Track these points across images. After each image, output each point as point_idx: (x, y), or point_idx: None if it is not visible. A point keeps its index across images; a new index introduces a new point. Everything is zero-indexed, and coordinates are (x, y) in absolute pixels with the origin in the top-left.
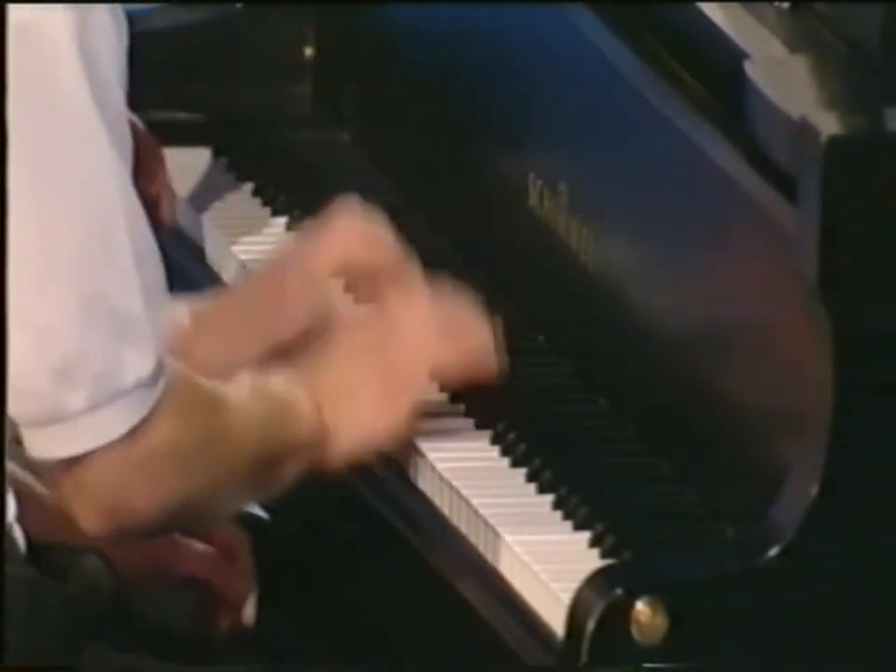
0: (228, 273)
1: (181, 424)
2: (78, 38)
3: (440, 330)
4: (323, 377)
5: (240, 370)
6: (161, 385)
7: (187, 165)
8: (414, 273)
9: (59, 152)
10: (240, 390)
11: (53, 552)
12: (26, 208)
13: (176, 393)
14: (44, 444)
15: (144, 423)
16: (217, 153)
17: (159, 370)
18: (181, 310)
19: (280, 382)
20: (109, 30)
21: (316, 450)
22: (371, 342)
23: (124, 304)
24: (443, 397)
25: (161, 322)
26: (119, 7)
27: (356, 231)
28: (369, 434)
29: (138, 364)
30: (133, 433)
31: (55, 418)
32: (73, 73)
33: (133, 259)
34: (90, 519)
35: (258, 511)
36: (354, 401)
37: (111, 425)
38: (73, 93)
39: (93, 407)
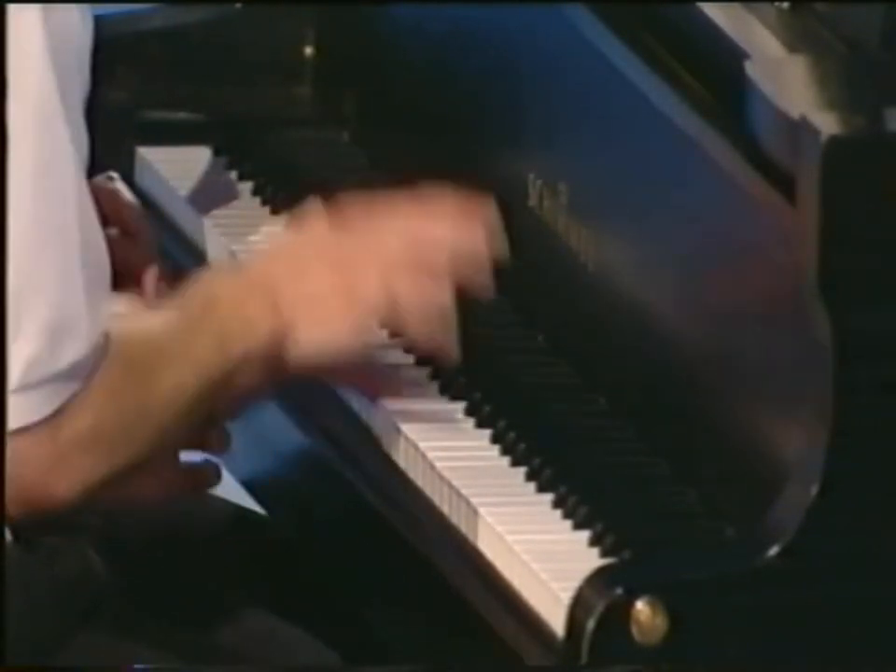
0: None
1: (105, 406)
2: (44, 20)
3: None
4: (281, 275)
5: None
6: (87, 371)
7: (187, 165)
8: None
9: (20, 136)
10: (185, 311)
11: (42, 537)
12: None
13: (102, 374)
14: None
15: (66, 410)
16: (216, 152)
17: (89, 358)
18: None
19: (237, 283)
20: (75, 20)
21: (275, 353)
22: (334, 242)
23: (65, 294)
24: (410, 360)
25: (102, 317)
26: (88, 8)
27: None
28: (330, 332)
29: (71, 354)
30: (56, 421)
31: None
32: (39, 55)
33: (78, 248)
34: (11, 505)
35: (257, 510)
36: (314, 299)
37: (34, 408)
38: (40, 83)
39: (21, 388)
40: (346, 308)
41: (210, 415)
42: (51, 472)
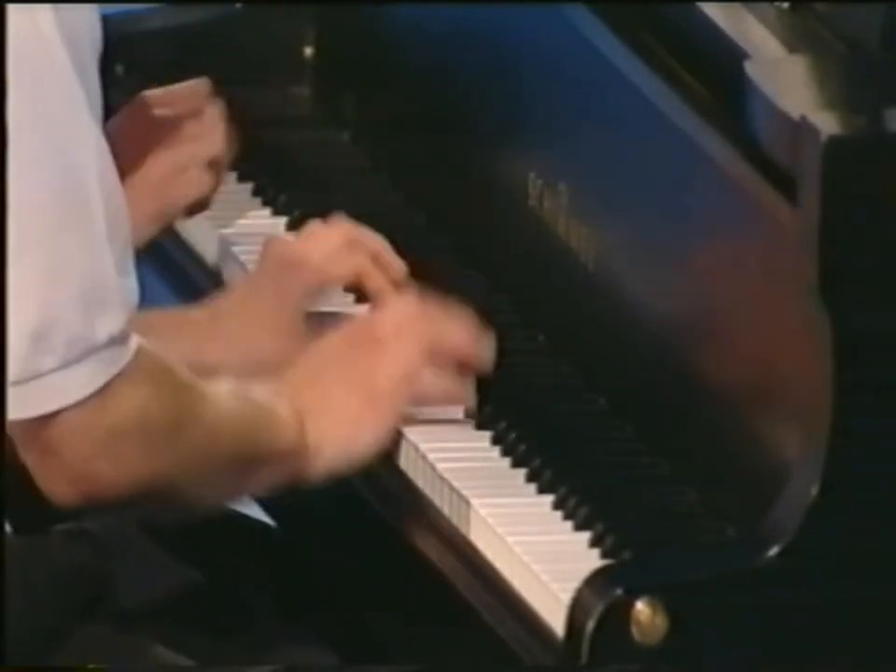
0: (228, 273)
1: (151, 397)
2: (57, 15)
3: (424, 340)
4: (305, 389)
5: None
6: (131, 348)
7: None
8: (405, 287)
9: (38, 117)
10: (220, 388)
11: (41, 530)
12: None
13: (148, 367)
14: (17, 403)
15: (112, 389)
16: None
17: (127, 332)
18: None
19: (262, 391)
20: (87, 15)
21: (296, 462)
22: (354, 353)
23: (96, 269)
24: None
25: (131, 290)
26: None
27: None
28: (351, 448)
29: (109, 325)
30: (102, 398)
31: (28, 378)
32: (55, 41)
33: (105, 224)
34: (55, 484)
35: (264, 518)
36: (336, 415)
37: (81, 383)
38: (56, 61)
39: (64, 365)
40: (370, 421)
41: (231, 490)
42: (97, 452)
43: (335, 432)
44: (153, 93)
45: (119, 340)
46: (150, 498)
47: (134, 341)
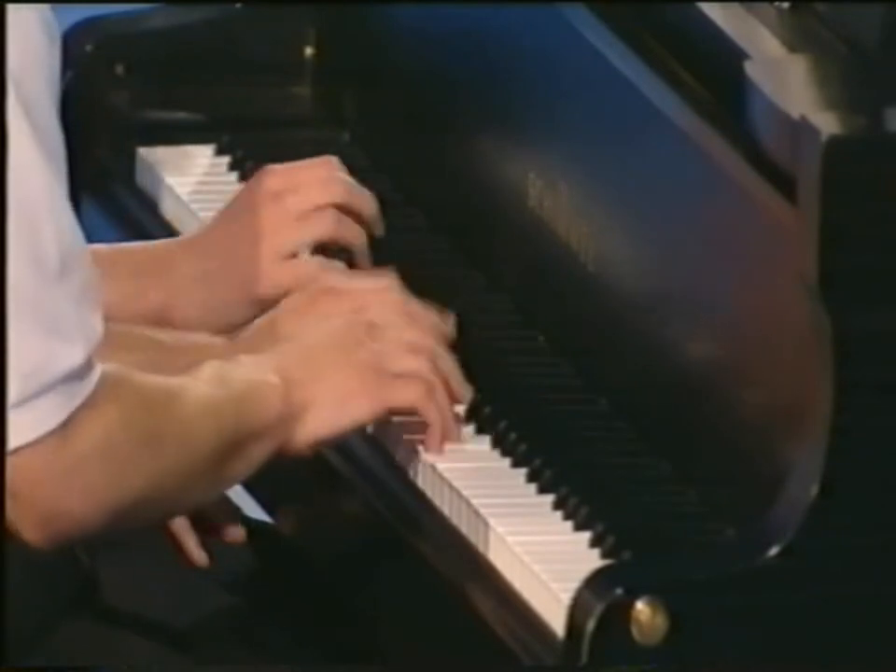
0: None
1: (114, 421)
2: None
3: (409, 312)
4: (291, 356)
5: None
6: (93, 381)
7: (187, 165)
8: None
9: (6, 148)
10: (201, 378)
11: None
12: None
13: (111, 390)
14: None
15: (74, 421)
16: (217, 152)
17: (88, 366)
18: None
19: (246, 364)
20: (36, 33)
21: (286, 430)
22: (352, 339)
23: (49, 302)
24: None
25: (94, 325)
26: (47, 10)
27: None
28: (338, 417)
29: (66, 359)
30: (65, 432)
31: None
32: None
33: (58, 259)
34: (29, 528)
35: (260, 515)
36: (324, 378)
37: (39, 419)
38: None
39: (21, 401)
40: (359, 389)
41: (219, 482)
42: (64, 485)
43: (324, 398)
44: (276, 169)
45: (78, 373)
46: (135, 518)
47: (96, 372)
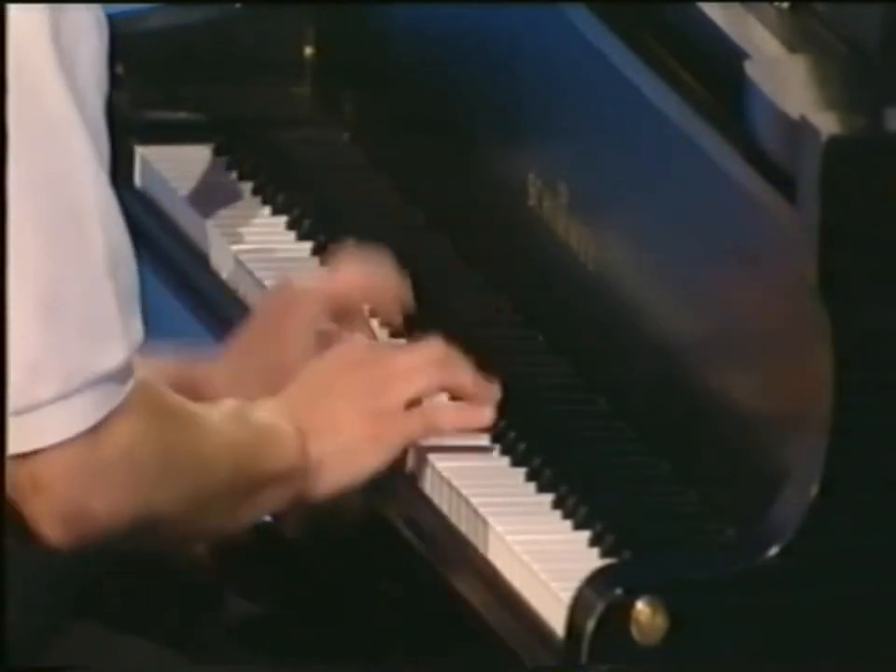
0: (227, 273)
1: (142, 431)
2: (53, 38)
3: (429, 363)
4: (308, 407)
5: None
6: (129, 385)
7: (187, 165)
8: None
9: (32, 148)
10: (221, 413)
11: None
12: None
13: (142, 401)
14: (13, 436)
15: (106, 425)
16: (216, 152)
17: (128, 369)
18: (180, 367)
19: (263, 409)
20: (89, 30)
21: (300, 482)
22: (359, 370)
23: (95, 301)
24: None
25: (136, 328)
26: (99, 8)
27: (358, 273)
28: (355, 467)
29: (110, 357)
30: (95, 434)
31: (24, 409)
32: (50, 71)
33: (107, 257)
34: (49, 523)
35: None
36: (340, 434)
37: (77, 416)
38: (49, 91)
39: (62, 396)
40: (376, 441)
41: (232, 517)
42: (89, 486)
43: (339, 451)
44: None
45: (118, 375)
46: (146, 536)
47: (133, 375)
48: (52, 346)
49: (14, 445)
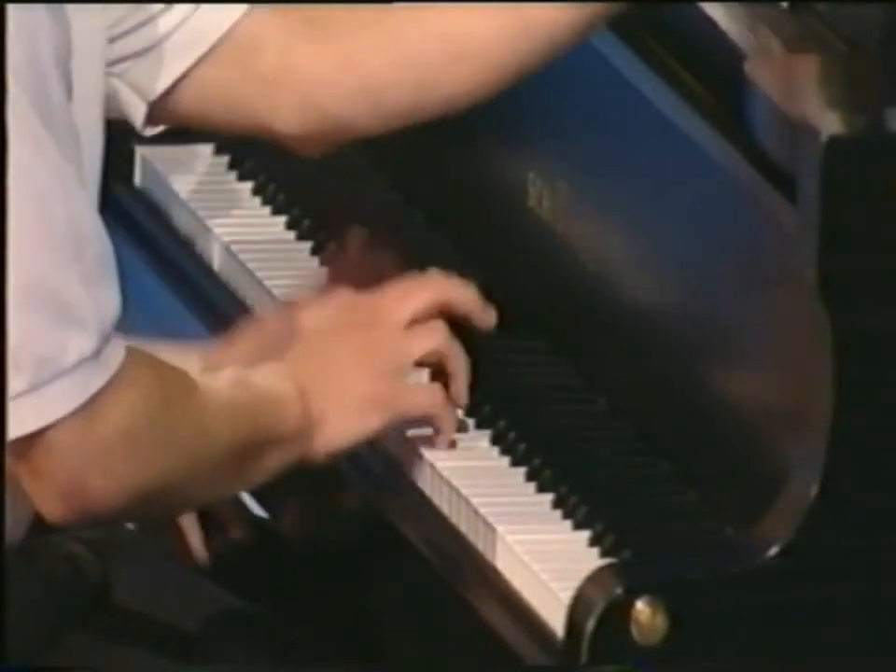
0: (227, 273)
1: (140, 404)
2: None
3: (421, 303)
4: (308, 365)
5: None
6: (112, 361)
7: (187, 165)
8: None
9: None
10: (221, 380)
11: (36, 538)
12: None
13: (137, 374)
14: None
15: (96, 402)
16: (216, 152)
17: (103, 349)
18: (191, 359)
19: (265, 372)
20: (46, 24)
21: (303, 440)
22: (355, 326)
23: (61, 288)
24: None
25: (109, 303)
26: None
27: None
28: (357, 426)
29: (79, 344)
30: (87, 413)
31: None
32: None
33: (70, 242)
34: (50, 503)
35: (257, 511)
36: (341, 392)
37: (54, 404)
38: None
39: (34, 388)
40: (373, 398)
41: (234, 482)
42: (87, 463)
43: (341, 408)
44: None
45: (92, 359)
46: (150, 507)
47: (119, 352)
48: (21, 336)
49: (8, 430)
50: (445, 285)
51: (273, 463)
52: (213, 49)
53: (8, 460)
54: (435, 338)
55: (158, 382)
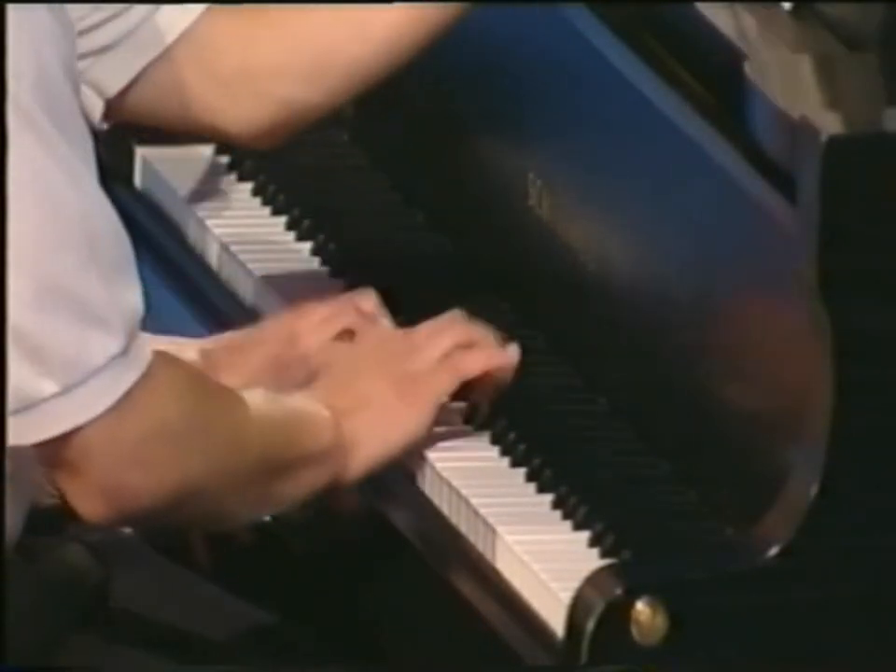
0: (227, 273)
1: (174, 405)
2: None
3: (454, 340)
4: (339, 390)
5: None
6: (141, 362)
7: (187, 165)
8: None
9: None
10: (253, 395)
11: (37, 540)
12: None
13: (168, 375)
14: (22, 430)
15: (129, 399)
16: (216, 152)
17: (131, 347)
18: (190, 349)
19: (297, 396)
20: (49, 28)
21: (336, 462)
22: (386, 353)
23: (82, 288)
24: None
25: (130, 301)
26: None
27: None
28: (392, 437)
29: (105, 344)
30: (121, 411)
31: (31, 403)
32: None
33: (86, 241)
34: (89, 502)
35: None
36: (371, 407)
37: (88, 404)
38: (14, 97)
39: (67, 389)
40: (407, 415)
41: (267, 498)
42: (125, 464)
43: (372, 429)
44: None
45: (120, 357)
46: (183, 511)
47: (148, 351)
48: (47, 339)
49: (27, 437)
50: (470, 328)
51: (305, 484)
52: (169, 48)
53: (43, 467)
54: (457, 335)
55: (190, 382)
